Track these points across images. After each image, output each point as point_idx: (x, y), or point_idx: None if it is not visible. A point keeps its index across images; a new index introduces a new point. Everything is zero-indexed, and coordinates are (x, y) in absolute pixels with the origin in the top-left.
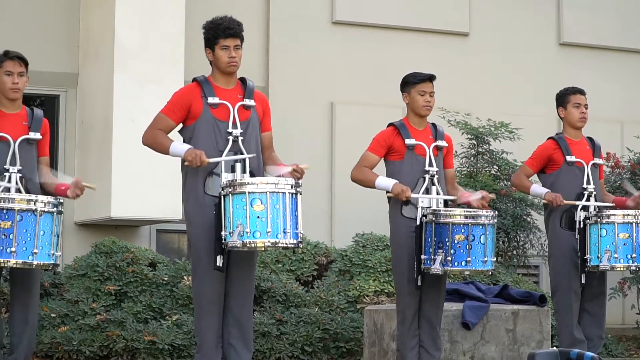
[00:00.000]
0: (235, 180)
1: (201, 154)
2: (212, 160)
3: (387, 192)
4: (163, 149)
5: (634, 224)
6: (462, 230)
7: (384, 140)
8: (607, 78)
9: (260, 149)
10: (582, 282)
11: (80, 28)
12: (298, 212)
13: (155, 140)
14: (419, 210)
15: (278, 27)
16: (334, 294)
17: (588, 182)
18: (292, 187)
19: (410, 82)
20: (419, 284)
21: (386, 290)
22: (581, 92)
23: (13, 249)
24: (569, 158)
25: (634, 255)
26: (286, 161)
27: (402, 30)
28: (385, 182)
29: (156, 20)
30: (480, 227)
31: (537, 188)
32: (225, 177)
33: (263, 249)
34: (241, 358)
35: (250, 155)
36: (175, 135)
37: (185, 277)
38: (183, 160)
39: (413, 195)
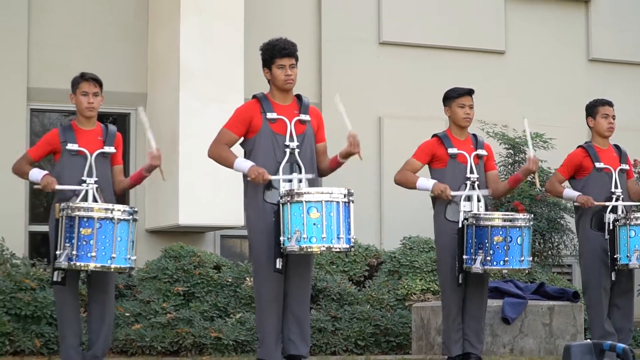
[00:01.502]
0: (294, 190)
1: (263, 172)
2: (273, 177)
3: (430, 192)
4: (228, 164)
5: None
6: (501, 232)
7: (428, 149)
8: (633, 90)
9: (316, 157)
10: (612, 279)
11: (149, 52)
12: (350, 219)
13: (220, 155)
14: (461, 214)
15: (329, 48)
16: (384, 292)
17: (616, 187)
18: (345, 196)
19: (451, 97)
20: (461, 282)
21: (432, 289)
22: (609, 103)
23: (93, 254)
24: (597, 164)
25: None
26: (338, 171)
27: (443, 49)
28: (426, 182)
29: (217, 43)
30: (517, 229)
31: (569, 192)
32: (283, 186)
33: (318, 252)
34: (300, 352)
35: (309, 176)
36: (236, 148)
37: (247, 279)
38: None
39: (453, 193)
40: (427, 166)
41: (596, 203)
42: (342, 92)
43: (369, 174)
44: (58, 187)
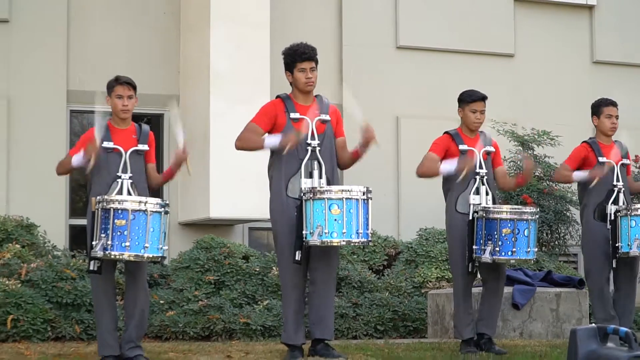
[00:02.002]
0: (316, 187)
1: (292, 136)
2: (302, 135)
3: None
4: (257, 146)
5: None
6: (509, 225)
7: (443, 143)
8: (635, 91)
9: (336, 151)
10: (614, 266)
11: (180, 56)
12: (369, 215)
13: (248, 141)
14: (471, 206)
15: (350, 52)
16: (401, 280)
17: (617, 180)
18: (363, 193)
19: (465, 100)
20: (471, 270)
21: (446, 277)
22: (614, 104)
23: (127, 244)
24: (601, 159)
25: None
26: (358, 167)
27: (456, 53)
28: (449, 165)
29: (245, 48)
30: (524, 222)
31: (579, 173)
32: (305, 182)
33: (338, 246)
34: (324, 336)
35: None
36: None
37: (273, 268)
38: (269, 167)
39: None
40: None
41: (604, 173)
42: (361, 94)
43: (388, 170)
44: (97, 135)
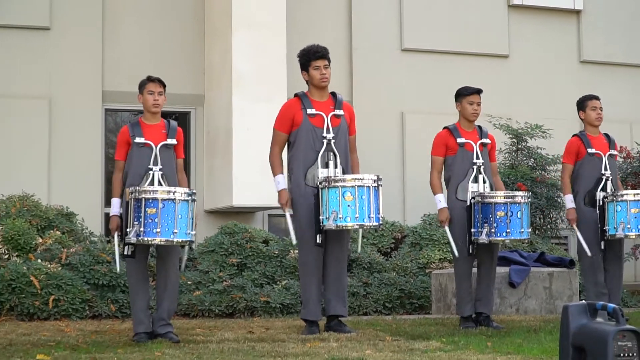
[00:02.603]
0: (331, 177)
1: (285, 204)
2: (286, 212)
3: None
4: (272, 172)
5: None
6: (503, 208)
7: (441, 141)
8: (618, 87)
9: (349, 150)
10: (602, 247)
11: (205, 59)
12: (379, 200)
13: (272, 162)
14: (469, 193)
15: (359, 54)
16: (407, 261)
17: (605, 169)
18: (374, 181)
19: (462, 94)
20: (471, 251)
21: (448, 258)
22: (596, 97)
23: (158, 230)
24: (590, 150)
25: None
26: (368, 158)
27: (456, 54)
28: (438, 202)
29: (264, 51)
30: (517, 205)
31: (568, 201)
32: (322, 172)
33: (352, 229)
34: (338, 312)
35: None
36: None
37: (291, 251)
38: (289, 159)
39: (447, 229)
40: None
41: (572, 220)
42: (369, 92)
43: (394, 161)
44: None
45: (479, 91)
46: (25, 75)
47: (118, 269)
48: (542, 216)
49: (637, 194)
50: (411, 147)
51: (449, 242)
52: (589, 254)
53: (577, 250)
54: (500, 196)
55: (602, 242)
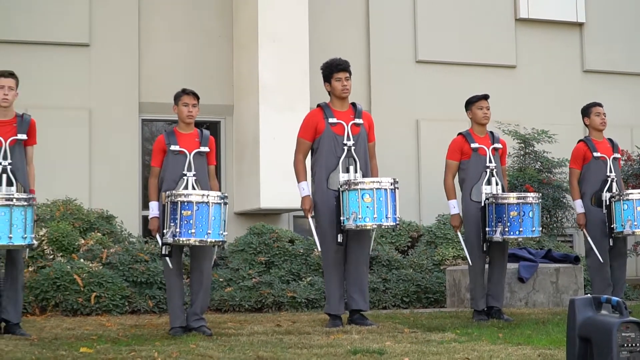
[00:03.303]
0: (351, 180)
1: (308, 210)
2: (309, 218)
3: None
4: (296, 178)
5: None
6: (515, 208)
7: (457, 146)
8: (619, 94)
9: (368, 156)
10: (610, 244)
11: (234, 72)
12: (396, 202)
13: (297, 169)
14: (483, 195)
15: (376, 66)
16: (423, 259)
17: (610, 171)
18: (391, 184)
19: (471, 102)
20: (485, 249)
21: (461, 256)
22: (600, 105)
23: (193, 231)
24: (595, 154)
25: None
26: (385, 162)
27: (466, 65)
28: (452, 207)
29: (288, 64)
30: (529, 205)
31: (578, 206)
32: (342, 176)
33: (371, 229)
34: (360, 307)
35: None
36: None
37: (315, 250)
38: (312, 164)
39: (459, 234)
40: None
41: (582, 225)
42: (386, 101)
43: (410, 165)
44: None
45: (485, 97)
46: (67, 88)
47: (170, 265)
48: (548, 216)
49: None
50: (426, 152)
51: (462, 247)
52: (601, 260)
53: (585, 248)
54: (512, 197)
55: (610, 239)
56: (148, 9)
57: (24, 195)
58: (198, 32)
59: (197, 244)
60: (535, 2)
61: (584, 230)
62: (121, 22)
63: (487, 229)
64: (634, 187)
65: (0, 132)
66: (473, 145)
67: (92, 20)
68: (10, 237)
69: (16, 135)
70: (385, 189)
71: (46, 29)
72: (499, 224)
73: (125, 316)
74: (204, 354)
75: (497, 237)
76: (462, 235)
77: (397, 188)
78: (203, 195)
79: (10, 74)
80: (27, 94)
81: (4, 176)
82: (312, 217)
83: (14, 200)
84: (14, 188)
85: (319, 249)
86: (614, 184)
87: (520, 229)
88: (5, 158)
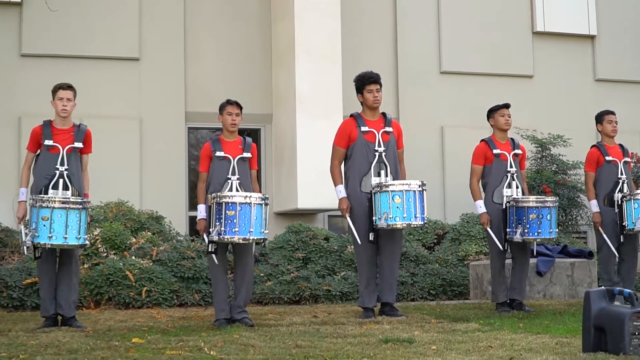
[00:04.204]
0: (382, 183)
1: (345, 209)
2: (348, 218)
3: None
4: (333, 182)
5: None
6: (534, 211)
7: (481, 152)
8: (628, 102)
9: (397, 161)
10: (621, 241)
11: (273, 84)
12: (424, 202)
13: (333, 174)
14: (504, 198)
15: (404, 77)
16: (448, 254)
17: (621, 174)
18: (419, 186)
19: (493, 110)
20: (505, 248)
21: (483, 251)
22: (612, 112)
23: (236, 229)
24: (607, 158)
25: None
26: (413, 166)
27: (488, 75)
28: (479, 207)
29: (322, 76)
30: (547, 208)
31: (594, 206)
32: (374, 180)
33: (401, 228)
34: (388, 299)
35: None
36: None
37: (348, 247)
38: (346, 169)
39: (489, 229)
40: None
41: (598, 223)
42: (413, 109)
43: (436, 169)
44: (204, 234)
45: (507, 105)
46: (119, 99)
47: (216, 262)
48: (564, 214)
49: None
50: (450, 156)
51: (490, 240)
52: (615, 254)
53: (597, 244)
54: (532, 200)
55: (621, 236)
56: (193, 26)
57: (79, 199)
58: (240, 47)
59: (240, 241)
60: (551, 16)
61: (600, 228)
62: (168, 37)
63: (507, 229)
64: None
65: (58, 139)
66: (495, 151)
67: (141, 37)
68: (65, 238)
69: (73, 144)
70: (414, 191)
71: (101, 45)
72: (519, 225)
73: (174, 309)
74: (246, 344)
75: (517, 238)
76: (491, 229)
77: (425, 190)
78: (246, 196)
79: (69, 87)
80: (83, 105)
81: (61, 181)
82: (349, 216)
83: (70, 203)
84: (69, 192)
85: (359, 241)
86: (625, 185)
87: (539, 231)
88: (62, 164)
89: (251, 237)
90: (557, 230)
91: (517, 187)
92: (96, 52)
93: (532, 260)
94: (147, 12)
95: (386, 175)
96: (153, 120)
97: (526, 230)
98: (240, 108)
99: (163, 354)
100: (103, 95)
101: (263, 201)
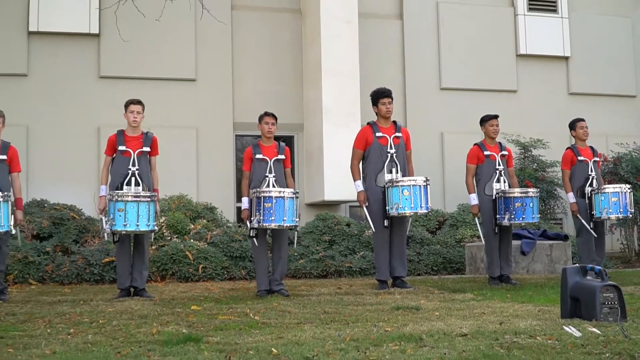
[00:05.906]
0: (393, 179)
1: (362, 201)
2: (364, 207)
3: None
4: (353, 177)
5: (620, 192)
6: (519, 200)
7: (474, 154)
8: (597, 111)
9: (406, 160)
10: (592, 227)
11: (303, 98)
12: (428, 194)
13: (353, 172)
14: (494, 190)
15: (410, 92)
16: (447, 237)
17: (591, 171)
18: (424, 181)
19: (484, 120)
20: (497, 232)
21: (477, 235)
22: (583, 120)
23: (273, 218)
24: (579, 158)
25: (620, 210)
26: (419, 166)
27: (479, 90)
28: (472, 199)
29: (344, 92)
30: (530, 198)
31: (571, 198)
32: (387, 176)
33: (409, 216)
34: (400, 273)
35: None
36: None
37: (366, 231)
38: (364, 167)
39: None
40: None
41: (576, 211)
42: (418, 118)
43: (437, 167)
44: (247, 222)
45: (496, 116)
46: (179, 112)
47: (256, 244)
48: (543, 204)
49: (615, 187)
50: (448, 157)
51: (478, 229)
52: (594, 235)
53: (577, 228)
54: (517, 192)
55: (591, 223)
56: (239, 53)
57: (147, 193)
58: (276, 68)
59: (275, 227)
60: (532, 41)
61: (578, 215)
62: (219, 62)
63: (497, 216)
64: (609, 182)
65: (130, 145)
66: (486, 152)
67: (197, 62)
68: (138, 225)
69: (142, 148)
70: (420, 185)
71: (164, 69)
72: (507, 212)
73: (225, 282)
74: (284, 310)
75: (505, 222)
76: (479, 220)
77: (429, 184)
78: (280, 191)
79: (139, 102)
80: (150, 117)
81: (133, 179)
82: (366, 206)
83: (141, 197)
84: (140, 188)
85: (373, 229)
86: (594, 181)
87: (523, 216)
88: (134, 165)
89: (285, 224)
90: (539, 216)
91: (504, 182)
92: (161, 74)
93: (517, 242)
94: (201, 42)
95: (397, 173)
96: (207, 129)
97: (512, 216)
98: (276, 118)
99: (216, 319)
100: (166, 109)
101: (294, 195)
